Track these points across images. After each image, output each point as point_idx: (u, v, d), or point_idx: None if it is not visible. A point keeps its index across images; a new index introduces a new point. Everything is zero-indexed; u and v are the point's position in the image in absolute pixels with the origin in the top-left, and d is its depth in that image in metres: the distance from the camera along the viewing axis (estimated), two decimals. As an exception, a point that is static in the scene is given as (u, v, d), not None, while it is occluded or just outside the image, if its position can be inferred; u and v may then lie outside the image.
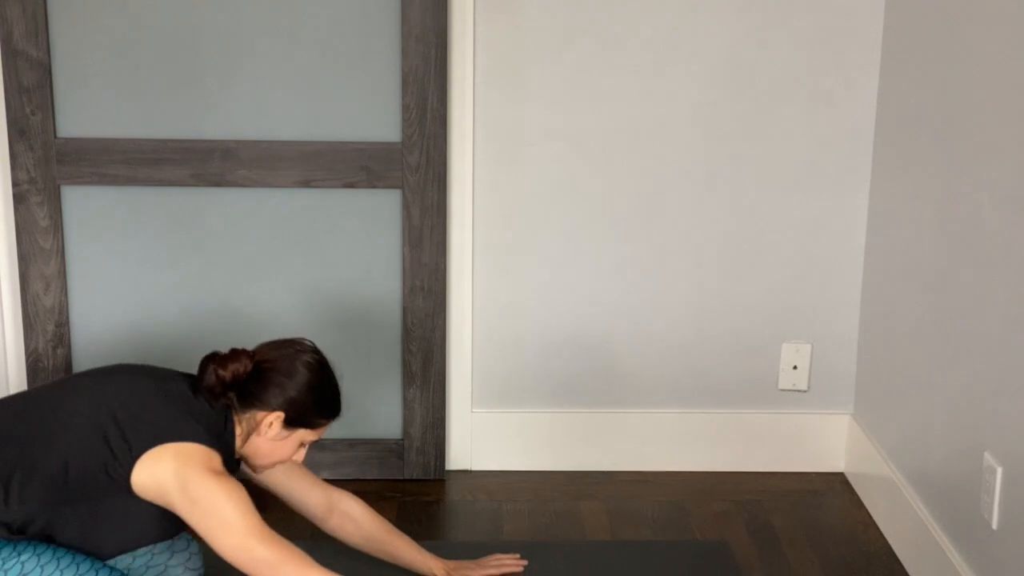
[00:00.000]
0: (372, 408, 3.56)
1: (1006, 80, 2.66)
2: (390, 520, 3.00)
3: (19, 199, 3.38)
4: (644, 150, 3.49)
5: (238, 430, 2.51)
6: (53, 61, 3.32)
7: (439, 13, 3.30)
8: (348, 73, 3.37)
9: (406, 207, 3.43)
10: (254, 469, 2.61)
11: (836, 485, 3.63)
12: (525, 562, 3.04)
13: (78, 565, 2.40)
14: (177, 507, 2.38)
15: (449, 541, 3.32)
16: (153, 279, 3.48)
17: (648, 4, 3.39)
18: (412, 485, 3.59)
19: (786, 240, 3.55)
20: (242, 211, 3.44)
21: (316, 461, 3.45)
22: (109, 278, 3.47)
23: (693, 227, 3.54)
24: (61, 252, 3.43)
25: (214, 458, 2.42)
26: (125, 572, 2.62)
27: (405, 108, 3.36)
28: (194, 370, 2.56)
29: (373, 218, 3.46)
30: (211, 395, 2.50)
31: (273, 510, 2.72)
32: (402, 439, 3.60)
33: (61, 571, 2.37)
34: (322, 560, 2.46)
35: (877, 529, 3.37)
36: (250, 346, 2.59)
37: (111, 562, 2.60)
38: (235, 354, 2.53)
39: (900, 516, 3.23)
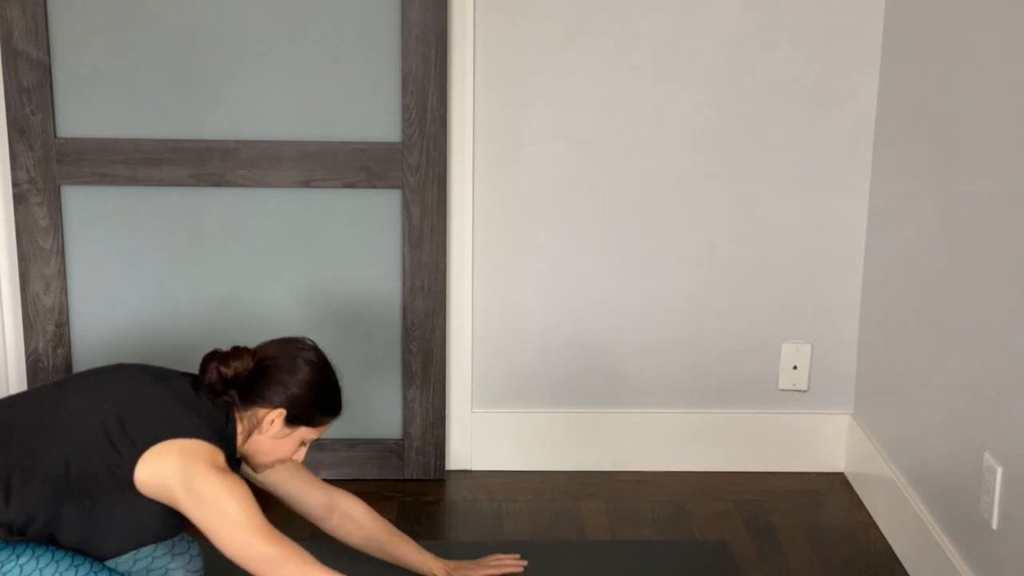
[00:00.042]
0: (372, 408, 3.56)
1: (1006, 80, 2.66)
2: (390, 520, 3.00)
3: (19, 199, 3.38)
4: (644, 150, 3.49)
5: (240, 428, 2.52)
6: (53, 61, 3.32)
7: (439, 13, 3.30)
8: (348, 73, 3.37)
9: (406, 207, 3.43)
10: (255, 468, 2.61)
11: (836, 485, 3.63)
12: (525, 562, 3.04)
13: (77, 568, 2.39)
14: (181, 503, 2.38)
15: (449, 541, 3.32)
16: (153, 279, 3.48)
17: (648, 4, 3.39)
18: (412, 485, 3.59)
19: (786, 240, 3.55)
20: (242, 211, 3.44)
21: (316, 461, 3.45)
22: (109, 278, 3.47)
23: (693, 227, 3.54)
24: (61, 252, 3.43)
25: (218, 455, 2.42)
26: (126, 574, 2.62)
27: (405, 108, 3.36)
28: (195, 370, 2.56)
29: (373, 218, 3.46)
30: (213, 393, 2.50)
31: (273, 510, 2.71)
32: (402, 439, 3.60)
33: (60, 574, 2.37)
34: (322, 560, 2.46)
35: (877, 529, 3.37)
36: (251, 346, 2.59)
37: (111, 564, 2.60)
38: (237, 352, 2.53)
39: (900, 516, 3.23)
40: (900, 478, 3.26)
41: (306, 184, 3.40)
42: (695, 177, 3.51)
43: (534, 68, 3.42)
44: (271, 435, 2.53)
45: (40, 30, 3.28)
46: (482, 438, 3.66)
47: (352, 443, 3.58)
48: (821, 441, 3.69)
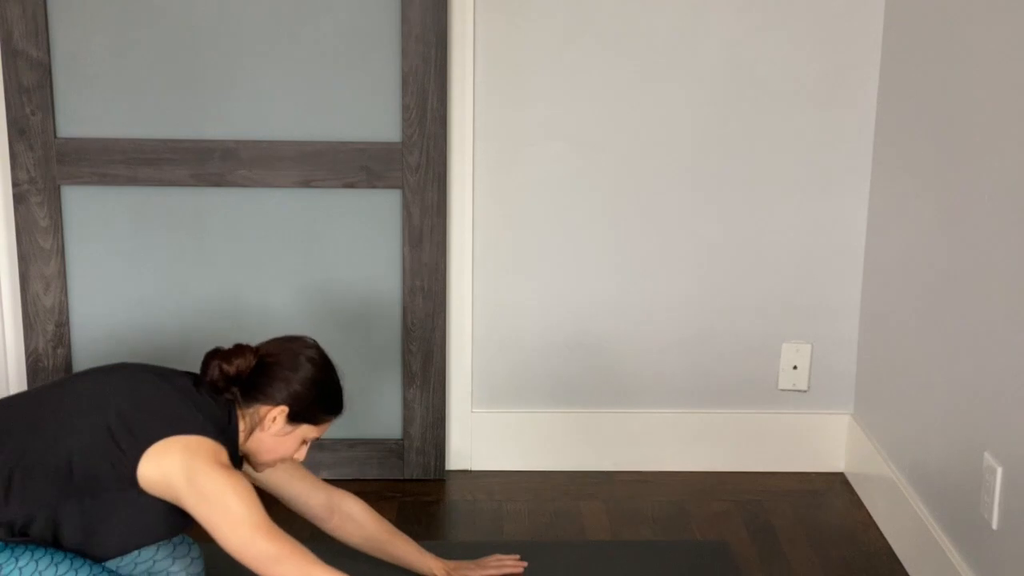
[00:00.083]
0: (372, 408, 3.56)
1: (1006, 80, 2.66)
2: (390, 520, 3.00)
3: (19, 199, 3.38)
4: (644, 150, 3.49)
5: (241, 425, 2.51)
6: (53, 61, 3.32)
7: (439, 13, 3.30)
8: (348, 73, 3.37)
9: (406, 207, 3.43)
10: (256, 467, 2.61)
11: (836, 485, 3.63)
12: (525, 564, 3.04)
13: (77, 571, 2.39)
14: (184, 500, 2.38)
15: (449, 541, 3.32)
16: (153, 279, 3.48)
17: (648, 4, 3.39)
18: (412, 485, 3.59)
19: (786, 240, 3.55)
20: (242, 211, 3.44)
21: (316, 461, 3.45)
22: (109, 278, 3.47)
23: (693, 227, 3.54)
24: (61, 252, 3.43)
25: (221, 452, 2.42)
26: (126, 577, 2.63)
27: (405, 108, 3.36)
28: (196, 369, 2.56)
29: (373, 218, 3.46)
30: (215, 390, 2.50)
31: (273, 511, 2.70)
32: (402, 439, 3.60)
33: None
34: (322, 560, 2.46)
35: (877, 529, 3.37)
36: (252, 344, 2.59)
37: (113, 566, 2.60)
38: (239, 349, 2.53)
39: (900, 516, 3.23)
40: (900, 478, 3.26)
41: (306, 184, 3.40)
42: (695, 177, 3.51)
43: (534, 68, 3.42)
44: (273, 432, 2.53)
45: (40, 30, 3.28)
46: (482, 438, 3.66)
47: (352, 443, 3.58)
48: (821, 441, 3.69)
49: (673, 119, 3.47)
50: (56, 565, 2.37)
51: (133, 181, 3.39)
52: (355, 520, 2.85)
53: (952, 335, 2.94)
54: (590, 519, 3.41)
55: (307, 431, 2.57)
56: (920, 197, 3.14)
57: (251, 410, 2.52)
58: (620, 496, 3.54)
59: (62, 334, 3.47)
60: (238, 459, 2.54)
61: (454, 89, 3.40)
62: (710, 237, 3.55)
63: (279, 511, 2.76)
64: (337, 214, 3.45)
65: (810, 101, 3.46)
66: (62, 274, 3.44)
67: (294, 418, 2.53)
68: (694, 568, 3.14)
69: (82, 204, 3.42)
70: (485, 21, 3.38)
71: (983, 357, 2.77)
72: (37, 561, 2.35)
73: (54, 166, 3.37)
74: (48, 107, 3.33)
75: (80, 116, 3.36)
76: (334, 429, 2.71)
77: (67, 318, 3.47)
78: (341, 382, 2.63)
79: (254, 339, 2.64)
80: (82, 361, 3.47)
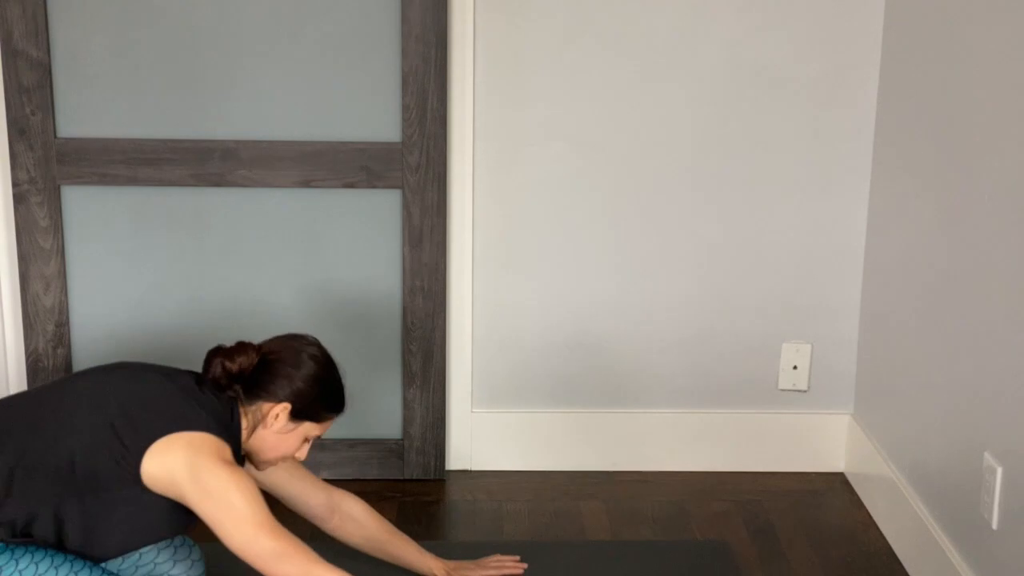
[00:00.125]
0: (372, 408, 3.56)
1: (1006, 80, 2.66)
2: (390, 520, 3.00)
3: (19, 199, 3.38)
4: (644, 150, 3.49)
5: (244, 423, 2.51)
6: (53, 61, 3.32)
7: (439, 13, 3.30)
8: (348, 73, 3.37)
9: (406, 207, 3.43)
10: (258, 465, 2.61)
11: (836, 485, 3.63)
12: (525, 565, 3.04)
13: (76, 573, 2.39)
14: (187, 496, 2.37)
15: (449, 541, 3.32)
16: (153, 279, 3.48)
17: (648, 4, 3.39)
18: (412, 485, 3.59)
19: (786, 240, 3.55)
20: (242, 211, 3.45)
21: (316, 461, 3.45)
22: (109, 278, 3.47)
23: (693, 227, 3.54)
24: (61, 252, 3.43)
25: (224, 448, 2.42)
26: (126, 580, 2.63)
27: (405, 108, 3.36)
28: (197, 369, 2.56)
29: (373, 218, 3.46)
30: (217, 388, 2.50)
31: (274, 511, 2.70)
32: (402, 439, 3.60)
33: None
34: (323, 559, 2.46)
35: (877, 529, 3.37)
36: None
37: (114, 568, 2.60)
38: (241, 347, 2.53)
39: (900, 516, 3.23)
40: (900, 478, 3.26)
41: (306, 184, 3.40)
42: (695, 177, 3.51)
43: (534, 68, 3.42)
44: (276, 430, 2.53)
45: (40, 30, 3.28)
46: (482, 438, 3.66)
47: (352, 443, 3.58)
48: (821, 441, 3.69)
49: (673, 119, 3.47)
50: (56, 568, 2.36)
51: (133, 181, 3.39)
52: (355, 520, 2.85)
53: (952, 335, 2.94)
54: (590, 519, 3.41)
55: (309, 429, 2.57)
56: (920, 197, 3.14)
57: (253, 407, 2.52)
58: (620, 496, 3.54)
59: (62, 334, 3.47)
60: (241, 457, 2.54)
61: (454, 89, 3.40)
62: (710, 237, 3.55)
63: (279, 511, 2.75)
64: (337, 214, 3.45)
65: (810, 101, 3.46)
66: (62, 274, 3.44)
67: (296, 415, 2.53)
68: (694, 568, 3.14)
69: (82, 204, 3.42)
70: (485, 21, 3.38)
71: (983, 357, 2.77)
72: (37, 564, 2.35)
73: (54, 166, 3.37)
74: (48, 107, 3.33)
75: (80, 116, 3.36)
76: (334, 429, 2.71)
77: (67, 318, 3.47)
78: (343, 380, 2.63)
79: (255, 339, 2.64)
80: (82, 361, 3.47)
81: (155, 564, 2.67)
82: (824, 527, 3.39)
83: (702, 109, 3.46)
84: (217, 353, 2.53)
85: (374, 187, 3.41)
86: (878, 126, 3.45)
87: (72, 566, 2.38)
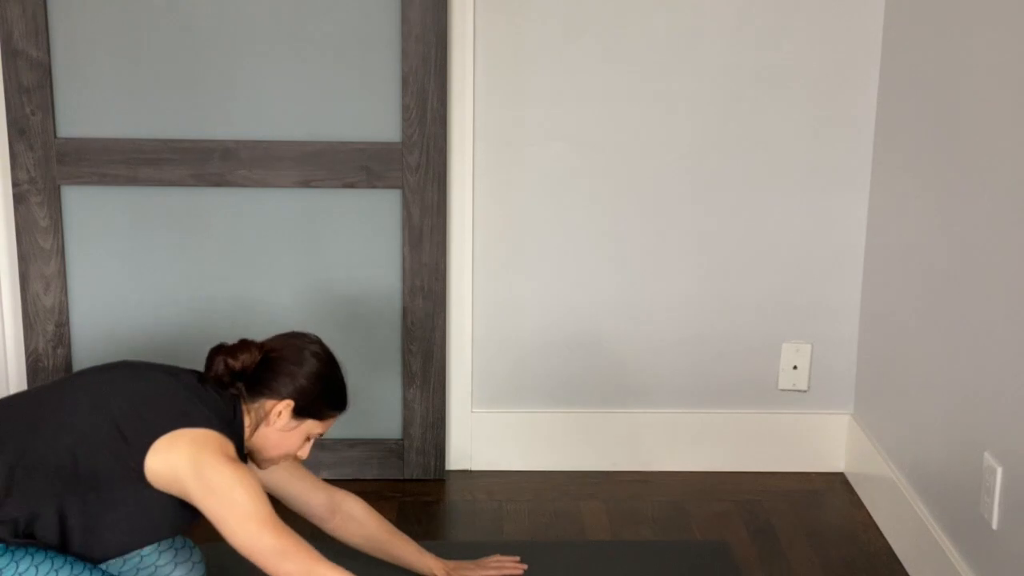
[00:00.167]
0: (372, 408, 3.56)
1: (1006, 80, 2.65)
2: (390, 520, 3.00)
3: (19, 199, 3.38)
4: (644, 150, 3.49)
5: (247, 420, 2.51)
6: (53, 61, 3.32)
7: (439, 13, 3.30)
8: (348, 73, 3.37)
9: (406, 207, 3.43)
10: (260, 463, 2.61)
11: (836, 485, 3.63)
12: (525, 566, 3.03)
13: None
14: (191, 493, 2.37)
15: (449, 541, 3.32)
16: (153, 279, 3.48)
17: (648, 4, 3.39)
18: (412, 485, 3.59)
19: (786, 240, 3.55)
20: (242, 211, 3.45)
21: (316, 461, 3.45)
22: (109, 278, 3.47)
23: (693, 227, 3.54)
24: (61, 252, 3.43)
25: (228, 445, 2.42)
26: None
27: (405, 108, 3.36)
28: (196, 369, 2.56)
29: (373, 218, 3.46)
30: (219, 385, 2.50)
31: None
32: (402, 439, 3.60)
33: None
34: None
35: (877, 529, 3.37)
36: (253, 343, 2.60)
37: (115, 571, 2.60)
38: (244, 344, 2.53)
39: (900, 516, 3.23)
40: (900, 478, 3.26)
41: (306, 184, 3.40)
42: (695, 177, 3.51)
43: (534, 68, 3.42)
44: (278, 427, 2.53)
45: (40, 30, 3.28)
46: (482, 438, 3.66)
47: (352, 443, 3.58)
48: (821, 441, 3.69)
49: (673, 119, 3.47)
50: (56, 571, 2.36)
51: (133, 181, 3.39)
52: (356, 520, 2.85)
53: (952, 335, 2.94)
54: (590, 519, 3.41)
55: (312, 427, 2.57)
56: (920, 197, 3.14)
57: (256, 405, 2.52)
58: (620, 496, 3.54)
59: (62, 334, 3.47)
60: (243, 455, 2.54)
61: (454, 89, 3.40)
62: (710, 237, 3.55)
63: (280, 512, 2.75)
64: (337, 214, 3.45)
65: (810, 101, 3.46)
66: (62, 274, 3.44)
67: (299, 413, 2.53)
68: (694, 568, 3.14)
69: (82, 204, 3.42)
70: (485, 21, 3.38)
71: (983, 357, 2.77)
72: (37, 567, 2.34)
73: (54, 166, 3.37)
74: (48, 107, 3.33)
75: (80, 116, 3.36)
76: (334, 429, 2.71)
77: (67, 318, 3.47)
78: (345, 378, 2.63)
79: (256, 338, 2.63)
80: (82, 361, 3.47)
81: (156, 567, 2.67)
82: (824, 527, 3.39)
83: (702, 109, 3.46)
84: (220, 351, 2.53)
85: (374, 187, 3.41)
86: (878, 126, 3.45)
87: (72, 569, 2.38)
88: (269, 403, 2.52)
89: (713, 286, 3.58)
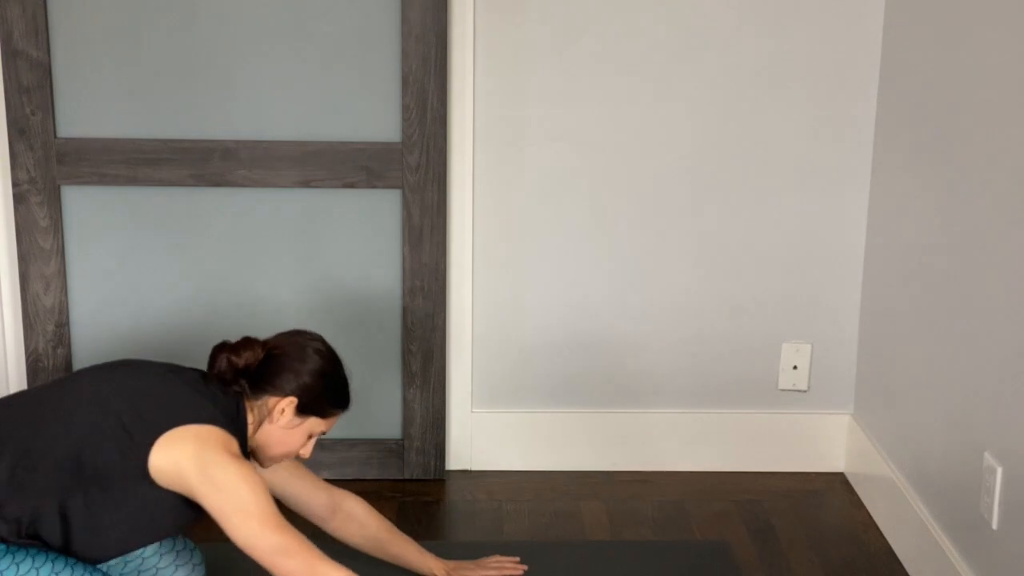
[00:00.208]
0: (372, 408, 3.56)
1: (1006, 80, 2.66)
2: (390, 520, 3.00)
3: (19, 199, 3.38)
4: (644, 150, 3.49)
5: (250, 418, 2.51)
6: (53, 61, 3.32)
7: (439, 13, 3.30)
8: (348, 73, 3.37)
9: (406, 207, 3.43)
10: (263, 462, 2.60)
11: (836, 485, 3.63)
12: (525, 567, 3.03)
13: None
14: (195, 489, 2.37)
15: (449, 541, 3.32)
16: (153, 279, 3.48)
17: (648, 4, 3.39)
18: (412, 485, 3.59)
19: (786, 240, 3.55)
20: (242, 211, 3.45)
21: (316, 461, 3.45)
22: (109, 278, 3.47)
23: (693, 227, 3.54)
24: (61, 252, 3.43)
25: (232, 442, 2.42)
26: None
27: (405, 108, 3.36)
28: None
29: (373, 218, 3.46)
30: (222, 383, 2.50)
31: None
32: (402, 439, 3.60)
33: None
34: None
35: (877, 529, 3.37)
36: (255, 343, 2.60)
37: (116, 573, 2.60)
38: (247, 342, 2.54)
39: (900, 516, 3.23)
40: (900, 478, 3.26)
41: (306, 184, 3.40)
42: (695, 177, 3.51)
43: (534, 68, 3.42)
44: (282, 425, 2.53)
45: (40, 30, 3.28)
46: (482, 438, 3.66)
47: (352, 443, 3.58)
48: (821, 441, 3.69)
49: (673, 119, 3.47)
50: (56, 573, 2.36)
51: (133, 181, 3.39)
52: (357, 520, 2.85)
53: (952, 335, 2.94)
54: (590, 519, 3.41)
55: (315, 424, 2.57)
56: (920, 196, 3.14)
57: (259, 402, 2.52)
58: (620, 496, 3.54)
59: (62, 334, 3.47)
60: (246, 453, 2.53)
61: (454, 89, 3.40)
62: (710, 237, 3.55)
63: (281, 511, 2.75)
64: (337, 214, 3.45)
65: (810, 101, 3.46)
66: (62, 274, 3.44)
67: (302, 410, 2.53)
68: (694, 568, 3.14)
69: (82, 204, 3.42)
70: (485, 21, 3.38)
71: (983, 357, 2.77)
72: (38, 569, 2.34)
73: (54, 166, 3.37)
74: (48, 107, 3.33)
75: (80, 116, 3.36)
76: (335, 429, 2.71)
77: (67, 318, 3.47)
78: (348, 377, 2.63)
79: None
80: (82, 361, 3.47)
81: (157, 570, 2.67)
82: (824, 527, 3.39)
83: (702, 109, 3.46)
84: (223, 348, 2.53)
85: (374, 187, 3.41)
86: (878, 126, 3.45)
87: (73, 571, 2.37)
88: (272, 400, 2.52)
89: (713, 286, 3.58)
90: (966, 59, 2.87)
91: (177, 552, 2.70)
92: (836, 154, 3.50)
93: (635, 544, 3.26)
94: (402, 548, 2.90)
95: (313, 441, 2.61)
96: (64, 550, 2.38)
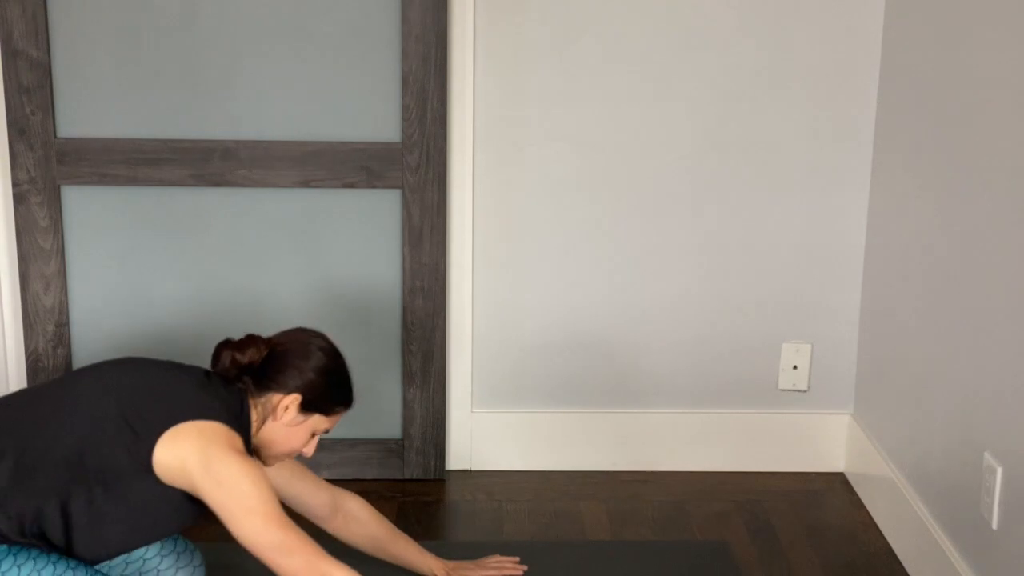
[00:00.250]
0: (372, 408, 3.56)
1: (1006, 80, 2.65)
2: (390, 520, 3.00)
3: (19, 199, 3.38)
4: (644, 150, 3.49)
5: (253, 415, 2.51)
6: (53, 61, 3.32)
7: (439, 13, 3.30)
8: (348, 73, 3.37)
9: (406, 207, 3.43)
10: (266, 460, 2.60)
11: (836, 485, 3.63)
12: (525, 567, 3.03)
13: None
14: (198, 485, 2.36)
15: (449, 541, 3.32)
16: (153, 279, 3.48)
17: (648, 4, 3.39)
18: (412, 485, 3.59)
19: (786, 240, 3.55)
20: (242, 211, 3.45)
21: (316, 461, 3.45)
22: (109, 278, 3.47)
23: (693, 227, 3.54)
24: (61, 252, 3.43)
25: (236, 438, 2.41)
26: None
27: (405, 108, 3.36)
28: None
29: (373, 218, 3.46)
30: (226, 380, 2.50)
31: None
32: (402, 439, 3.60)
33: None
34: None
35: (877, 529, 3.37)
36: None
37: (116, 573, 2.60)
38: (251, 339, 2.53)
39: (900, 516, 3.23)
40: (900, 478, 3.26)
41: (306, 184, 3.40)
42: (695, 177, 3.51)
43: (534, 68, 3.42)
44: (285, 422, 2.53)
45: (40, 30, 3.28)
46: (482, 438, 3.66)
47: (352, 443, 3.58)
48: (821, 441, 3.69)
49: (673, 119, 3.47)
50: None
51: (133, 181, 3.39)
52: (358, 520, 2.85)
53: (952, 335, 2.94)
54: (590, 519, 3.41)
55: (318, 422, 2.57)
56: (920, 196, 3.14)
57: (263, 399, 2.51)
58: (620, 496, 3.54)
59: (62, 334, 3.47)
60: (250, 450, 2.53)
61: (454, 89, 3.40)
62: (710, 237, 3.55)
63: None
64: (337, 214, 3.45)
65: (810, 101, 3.46)
66: (62, 274, 3.44)
67: (306, 407, 2.53)
68: (694, 568, 3.14)
69: (82, 204, 3.42)
70: (485, 21, 3.38)
71: (983, 357, 2.77)
72: (40, 571, 2.34)
73: (54, 166, 3.37)
74: (48, 107, 3.33)
75: (80, 116, 3.36)
76: (334, 429, 2.71)
77: (67, 318, 3.47)
78: (351, 375, 2.63)
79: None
80: (82, 361, 3.46)
81: (159, 572, 2.67)
82: (824, 527, 3.39)
83: (702, 109, 3.46)
84: (226, 346, 2.53)
85: (374, 187, 3.41)
86: (878, 126, 3.45)
87: (75, 573, 2.37)
88: (276, 397, 2.52)
89: (713, 286, 3.58)
90: (966, 59, 2.87)
91: (178, 554, 2.70)
92: (836, 154, 3.50)
93: (635, 544, 3.26)
94: (402, 548, 2.90)
95: (316, 440, 2.61)
96: (66, 548, 2.38)
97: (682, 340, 3.61)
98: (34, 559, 2.34)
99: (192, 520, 2.47)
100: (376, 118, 3.39)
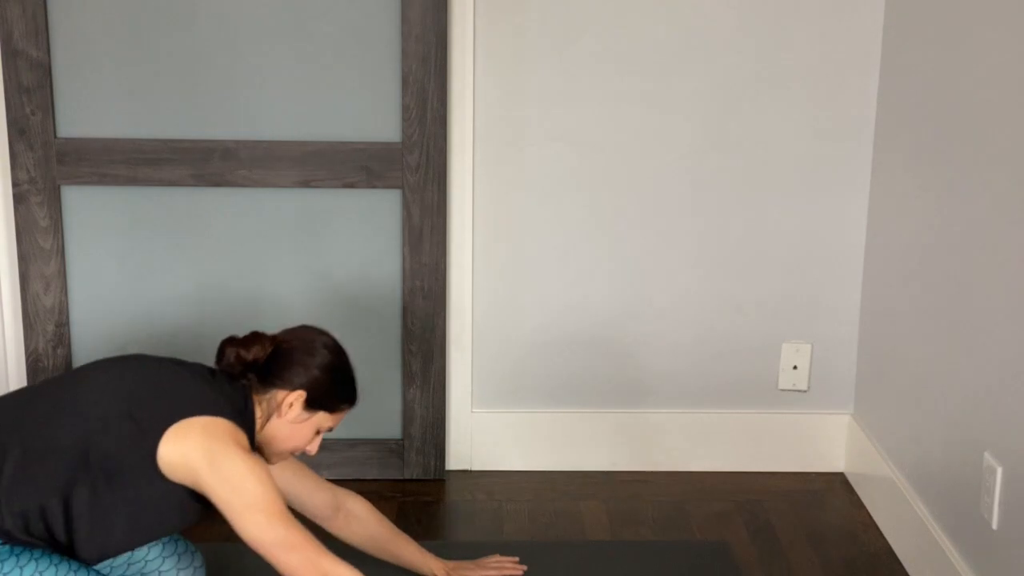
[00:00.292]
0: (372, 408, 3.56)
1: (1006, 80, 2.66)
2: (390, 520, 3.00)
3: (19, 199, 3.38)
4: (644, 150, 3.49)
5: (258, 412, 2.51)
6: (53, 61, 3.32)
7: (439, 13, 3.30)
8: (348, 73, 3.37)
9: (406, 207, 3.43)
10: (269, 458, 2.60)
11: (836, 485, 3.63)
12: (524, 567, 3.03)
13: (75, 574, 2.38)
14: (202, 481, 2.36)
15: (449, 541, 3.32)
16: (153, 279, 3.48)
17: (648, 5, 3.39)
18: (412, 485, 3.59)
19: (786, 240, 3.55)
20: (242, 211, 3.45)
21: (317, 461, 3.44)
22: (109, 278, 3.47)
23: (693, 227, 3.54)
24: (61, 252, 3.43)
25: (240, 435, 2.41)
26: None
27: (405, 108, 3.36)
28: (200, 367, 2.56)
29: (373, 218, 3.46)
30: (230, 376, 2.50)
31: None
32: (402, 439, 3.60)
33: None
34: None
35: (877, 529, 3.37)
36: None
37: (116, 575, 2.60)
38: (256, 336, 2.53)
39: (900, 516, 3.23)
40: (900, 478, 3.26)
41: (306, 184, 3.40)
42: (695, 177, 3.51)
43: (534, 68, 3.42)
44: (290, 419, 2.53)
45: (40, 30, 3.28)
46: (482, 438, 3.66)
47: (352, 443, 3.58)
48: (821, 441, 3.69)
49: (673, 119, 3.47)
50: None
51: (133, 181, 3.39)
52: (359, 519, 2.85)
53: (952, 335, 2.94)
54: (590, 519, 3.41)
55: (322, 420, 2.57)
56: (920, 197, 3.14)
57: (268, 396, 2.51)
58: (620, 496, 3.54)
59: (62, 334, 3.47)
60: (255, 447, 2.53)
61: (454, 89, 3.40)
62: (710, 237, 3.55)
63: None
64: (337, 214, 3.45)
65: (810, 101, 3.46)
66: (62, 274, 3.44)
67: (311, 404, 2.53)
68: (694, 568, 3.14)
69: (82, 204, 3.42)
70: (485, 21, 3.38)
71: (983, 357, 2.77)
72: (42, 573, 2.34)
73: (54, 166, 3.37)
74: (48, 107, 3.33)
75: (80, 116, 3.36)
76: (335, 429, 2.71)
77: (67, 318, 3.47)
78: (354, 373, 2.63)
79: (259, 336, 2.64)
80: (82, 361, 3.46)
81: (160, 572, 2.67)
82: (824, 527, 3.39)
83: (702, 109, 3.46)
84: (231, 342, 2.52)
85: (374, 187, 3.41)
86: (878, 126, 3.45)
87: (76, 574, 2.37)
88: (281, 394, 2.52)
89: (713, 286, 3.58)
90: (966, 59, 2.87)
91: (179, 555, 2.70)
92: (836, 154, 3.50)
93: (635, 544, 3.26)
94: (403, 548, 2.90)
95: (319, 438, 2.61)
96: (68, 545, 2.38)
97: (682, 340, 3.61)
98: (36, 560, 2.34)
99: (195, 518, 2.46)
100: (376, 118, 3.39)
